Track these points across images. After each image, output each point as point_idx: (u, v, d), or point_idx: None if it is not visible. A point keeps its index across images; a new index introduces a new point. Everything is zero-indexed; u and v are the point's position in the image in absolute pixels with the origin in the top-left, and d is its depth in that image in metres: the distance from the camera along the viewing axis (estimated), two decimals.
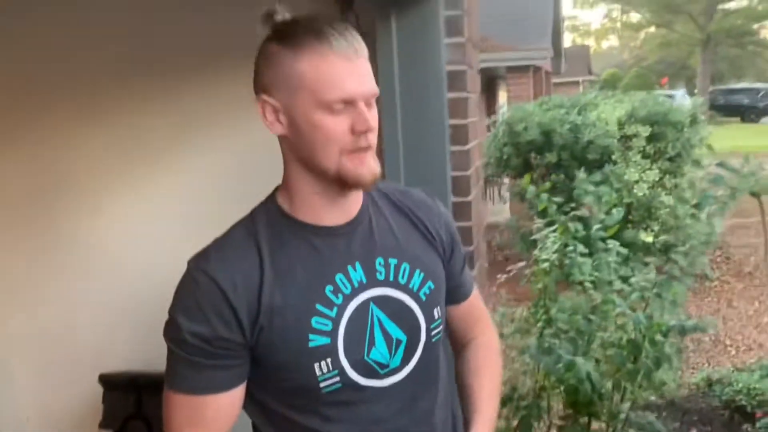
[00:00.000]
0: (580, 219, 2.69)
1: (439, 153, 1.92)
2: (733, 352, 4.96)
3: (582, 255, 2.64)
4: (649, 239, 5.64)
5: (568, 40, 45.71)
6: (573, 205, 2.68)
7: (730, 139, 20.70)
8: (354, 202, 1.07)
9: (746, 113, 30.37)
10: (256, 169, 1.65)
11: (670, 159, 5.84)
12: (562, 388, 2.24)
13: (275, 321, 0.98)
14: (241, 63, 1.18)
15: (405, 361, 1.06)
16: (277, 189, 1.08)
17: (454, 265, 1.19)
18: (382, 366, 1.04)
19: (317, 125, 0.96)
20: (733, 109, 31.07)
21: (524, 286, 2.97)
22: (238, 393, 1.02)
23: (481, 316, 1.29)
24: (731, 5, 32.45)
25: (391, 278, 1.06)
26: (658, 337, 2.14)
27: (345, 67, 0.95)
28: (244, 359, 1.00)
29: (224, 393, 1.00)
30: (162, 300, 1.04)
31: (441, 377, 1.15)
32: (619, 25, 40.31)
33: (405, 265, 1.08)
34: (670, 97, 29.32)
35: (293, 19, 1.00)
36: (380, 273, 1.05)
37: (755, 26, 32.47)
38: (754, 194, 3.62)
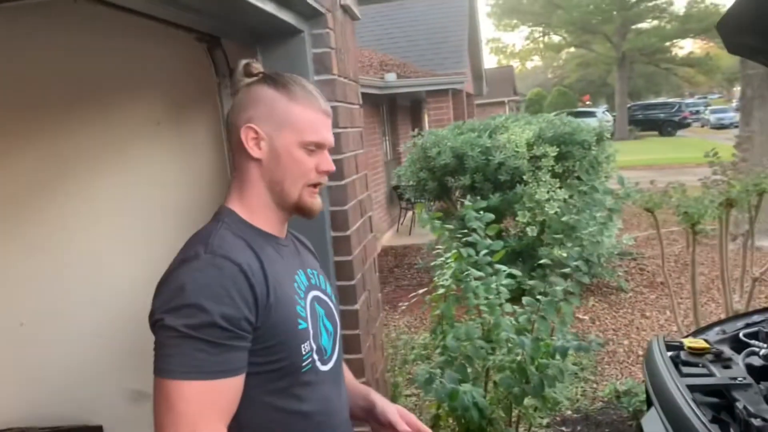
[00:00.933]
0: (472, 244, 2.74)
1: None
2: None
3: (478, 279, 2.69)
4: (564, 254, 5.79)
5: (492, 61, 47.07)
6: (465, 231, 2.72)
7: (648, 152, 21.76)
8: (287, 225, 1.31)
9: (663, 127, 31.92)
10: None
11: (579, 177, 6.03)
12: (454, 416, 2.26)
13: (278, 305, 1.13)
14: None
15: (333, 349, 1.29)
16: (225, 206, 1.24)
17: None
18: (325, 351, 1.25)
19: (295, 159, 1.20)
20: (651, 123, 32.62)
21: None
22: (243, 378, 1.11)
23: None
24: (643, 25, 34.18)
25: (318, 284, 1.32)
26: (542, 360, 2.19)
27: (324, 120, 1.23)
28: (250, 342, 1.10)
29: (241, 375, 1.09)
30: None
31: None
32: (541, 45, 41.72)
33: (321, 276, 1.36)
34: (592, 113, 30.46)
35: (281, 73, 1.25)
36: (312, 279, 1.31)
37: (667, 44, 34.21)
38: (648, 209, 3.75)
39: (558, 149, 5.83)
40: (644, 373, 1.64)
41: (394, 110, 11.77)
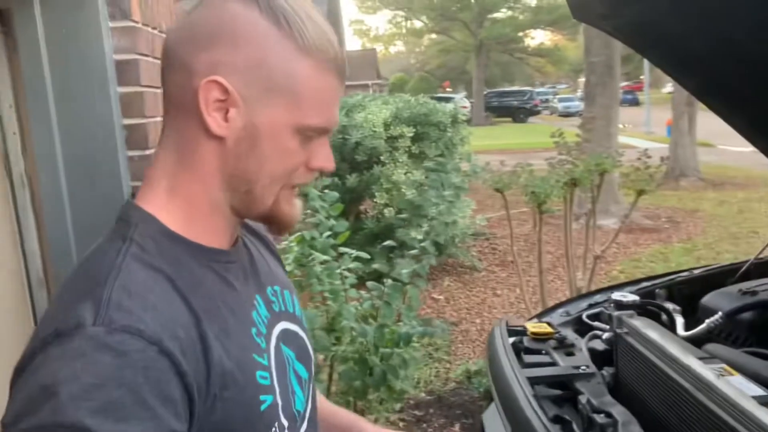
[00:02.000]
0: (316, 226, 2.52)
1: (110, 161, 1.59)
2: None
3: (323, 263, 2.47)
4: (419, 236, 5.77)
5: (357, 44, 47.16)
6: (308, 212, 2.49)
7: (502, 137, 22.82)
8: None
9: (516, 114, 33.71)
10: None
11: (433, 158, 6.03)
12: None
13: (228, 388, 0.69)
14: None
15: (307, 403, 0.86)
16: (132, 204, 0.76)
17: None
18: (299, 415, 0.83)
19: (283, 148, 0.73)
20: (505, 110, 34.35)
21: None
22: None
23: None
24: (499, 15, 35.74)
25: (283, 308, 0.87)
26: (386, 349, 2.02)
27: (337, 95, 0.76)
28: None
29: None
30: None
31: None
32: (404, 30, 42.42)
33: (286, 292, 0.90)
34: (450, 99, 31.55)
35: (298, 8, 0.72)
36: (275, 304, 0.85)
37: (520, 34, 36.05)
38: (498, 190, 3.72)
39: (414, 130, 5.76)
40: (485, 364, 1.49)
41: None
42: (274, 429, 0.76)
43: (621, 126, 21.19)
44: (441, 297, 6.11)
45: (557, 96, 40.07)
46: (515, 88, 41.48)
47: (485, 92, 35.20)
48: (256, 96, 0.71)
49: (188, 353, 0.65)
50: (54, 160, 1.55)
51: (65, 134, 1.56)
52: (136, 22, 1.64)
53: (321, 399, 1.01)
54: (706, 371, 1.12)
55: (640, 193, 3.58)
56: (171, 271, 0.70)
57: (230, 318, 0.74)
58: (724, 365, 1.18)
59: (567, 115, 32.56)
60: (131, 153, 1.65)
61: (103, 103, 1.58)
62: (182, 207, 0.75)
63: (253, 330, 0.77)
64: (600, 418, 1.13)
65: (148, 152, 1.67)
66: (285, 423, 0.78)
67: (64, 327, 0.63)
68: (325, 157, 0.77)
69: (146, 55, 1.70)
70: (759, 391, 1.07)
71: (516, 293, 6.21)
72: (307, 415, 0.86)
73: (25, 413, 0.60)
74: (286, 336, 0.84)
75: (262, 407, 0.74)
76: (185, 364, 0.64)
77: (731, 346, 1.62)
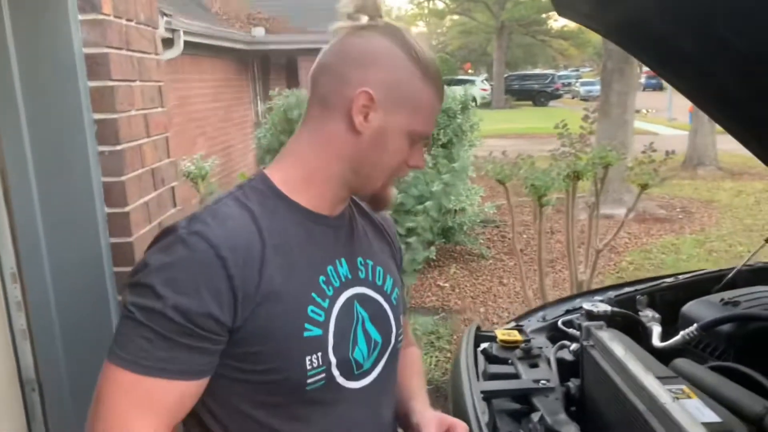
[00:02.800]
0: None
1: (80, 156, 1.59)
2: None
3: None
4: (419, 218, 5.74)
5: None
6: None
7: (522, 121, 22.59)
8: (346, 199, 1.06)
9: (537, 97, 33.32)
10: None
11: (443, 145, 5.97)
12: None
13: (273, 303, 0.91)
14: None
15: (375, 363, 1.04)
16: (263, 171, 1.02)
17: (401, 278, 1.20)
18: (359, 366, 1.01)
19: (399, 146, 0.98)
20: (526, 93, 33.96)
21: None
22: (204, 383, 0.91)
23: (409, 330, 1.34)
24: None
25: (370, 278, 1.06)
26: None
27: (438, 110, 1.02)
28: (221, 345, 0.90)
29: (196, 381, 0.89)
30: None
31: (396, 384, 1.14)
32: (426, 11, 41.96)
33: (379, 268, 1.09)
34: (472, 82, 31.11)
35: (405, 30, 0.99)
36: (361, 271, 1.05)
37: (543, 16, 35.43)
38: (500, 181, 3.67)
39: None
40: (450, 373, 1.47)
41: (267, 68, 11.21)
42: (315, 356, 0.93)
43: (644, 111, 20.92)
44: (446, 284, 6.09)
45: (580, 80, 39.48)
46: (537, 71, 40.96)
47: (506, 75, 34.77)
48: (390, 106, 0.96)
49: (241, 264, 0.88)
50: (23, 155, 1.54)
51: (34, 129, 1.55)
52: (107, 14, 1.61)
53: (403, 375, 1.18)
54: (663, 393, 1.08)
55: (644, 187, 3.50)
56: (258, 212, 0.95)
57: (300, 260, 0.95)
58: (684, 386, 1.14)
59: (589, 99, 32.16)
60: (102, 148, 1.63)
61: (72, 97, 1.56)
62: (300, 175, 0.99)
63: (322, 278, 0.97)
64: None
65: (119, 147, 1.66)
66: (333, 360, 0.95)
67: (168, 227, 0.93)
68: (420, 158, 1.03)
69: (119, 48, 1.68)
70: (713, 417, 1.04)
71: (522, 282, 6.18)
72: (375, 374, 1.03)
73: (132, 274, 0.92)
74: (364, 299, 1.03)
75: (306, 334, 0.93)
76: (234, 270, 0.87)
77: (709, 358, 1.58)
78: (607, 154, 3.57)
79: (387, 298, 1.09)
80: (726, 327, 1.55)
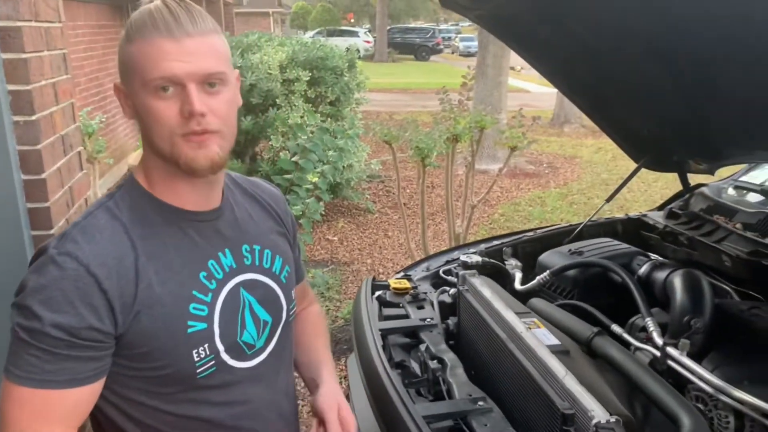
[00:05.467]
0: None
1: None
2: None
3: None
4: (315, 179, 5.93)
5: None
6: None
7: (404, 76, 22.99)
8: (216, 189, 1.08)
9: (419, 51, 33.74)
10: None
11: (331, 103, 6.12)
12: None
13: (153, 308, 0.97)
14: None
15: (268, 341, 1.11)
16: (132, 173, 1.07)
17: (295, 251, 1.27)
18: (250, 347, 1.08)
19: (146, 107, 0.97)
20: (408, 47, 34.26)
21: None
22: (98, 386, 0.97)
23: (309, 292, 1.43)
24: None
25: (257, 263, 1.12)
26: None
27: (169, 47, 0.94)
28: (109, 350, 0.96)
29: (87, 386, 0.95)
30: None
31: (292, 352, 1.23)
32: None
33: (267, 252, 1.14)
34: (355, 33, 30.83)
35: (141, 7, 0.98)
36: (247, 258, 1.10)
37: None
38: (387, 142, 3.93)
39: (311, 74, 5.81)
40: (352, 316, 1.73)
41: None
42: (202, 348, 1.01)
43: (518, 68, 21.91)
44: (335, 238, 6.35)
45: (459, 35, 40.41)
46: (418, 24, 41.37)
47: (388, 28, 34.92)
48: (128, 84, 1.00)
49: (114, 278, 0.94)
50: None
51: None
52: None
53: (305, 331, 1.31)
54: (519, 324, 1.40)
55: (513, 149, 3.90)
56: (129, 221, 1.00)
57: (176, 260, 1.01)
58: (535, 319, 1.47)
59: (468, 55, 33.08)
60: (17, 118, 1.69)
61: None
62: (147, 173, 1.05)
63: (203, 274, 1.03)
64: (433, 364, 1.39)
65: (33, 117, 1.73)
66: (221, 347, 1.03)
67: (41, 248, 0.99)
68: (186, 104, 0.96)
69: (29, 21, 1.72)
70: (555, 341, 1.36)
71: (406, 235, 6.57)
72: (269, 350, 1.11)
73: (16, 293, 0.96)
74: (250, 284, 1.10)
75: (189, 330, 1.00)
76: (107, 284, 0.93)
77: (558, 298, 1.94)
78: (483, 118, 3.92)
79: (276, 279, 1.14)
80: (571, 272, 1.92)
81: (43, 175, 1.76)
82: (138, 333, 0.96)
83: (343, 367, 3.83)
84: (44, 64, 1.83)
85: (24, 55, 1.68)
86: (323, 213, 6.07)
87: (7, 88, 1.66)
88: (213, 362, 1.02)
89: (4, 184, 1.68)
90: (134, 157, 9.49)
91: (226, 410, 1.05)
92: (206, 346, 1.01)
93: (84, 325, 0.92)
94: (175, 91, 0.96)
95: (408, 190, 7.72)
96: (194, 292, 1.01)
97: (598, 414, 1.07)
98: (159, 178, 1.04)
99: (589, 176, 8.82)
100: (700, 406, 1.41)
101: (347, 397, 1.25)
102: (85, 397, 0.96)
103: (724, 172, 2.50)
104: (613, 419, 1.05)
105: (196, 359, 1.00)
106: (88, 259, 0.93)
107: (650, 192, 7.50)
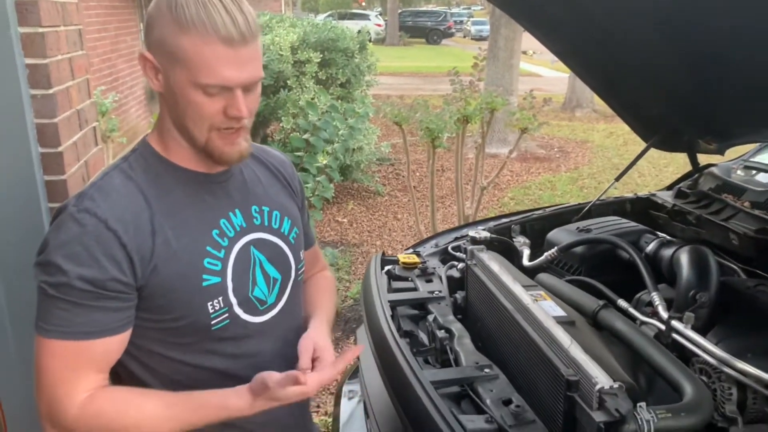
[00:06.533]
0: None
1: (12, 99, 1.68)
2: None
3: None
4: (325, 161, 5.96)
5: None
6: None
7: (415, 59, 22.89)
8: None
9: (430, 35, 33.52)
10: None
11: (342, 85, 6.13)
12: None
13: (170, 262, 1.01)
14: None
15: (278, 298, 1.17)
16: (146, 136, 1.11)
17: (303, 215, 1.31)
18: (261, 302, 1.13)
19: (191, 101, 0.99)
20: (419, 30, 34.03)
21: None
22: (126, 336, 1.03)
23: (320, 258, 1.47)
24: None
25: (266, 223, 1.17)
26: None
27: (226, 54, 0.96)
28: (133, 302, 1.01)
29: (115, 336, 1.00)
30: None
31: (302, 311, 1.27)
32: None
33: (276, 213, 1.19)
34: (365, 16, 30.62)
35: None
36: (256, 219, 1.15)
37: None
38: (397, 123, 3.94)
39: (322, 55, 5.82)
40: (361, 289, 1.76)
41: None
42: (217, 300, 1.06)
43: (530, 52, 21.75)
44: (345, 220, 6.38)
45: (471, 19, 40.10)
46: (430, 8, 41.05)
47: (399, 11, 34.69)
48: (166, 63, 1.01)
49: (132, 232, 0.99)
50: None
51: None
52: None
53: (313, 294, 1.34)
54: (526, 296, 1.42)
55: (524, 130, 3.90)
56: (143, 181, 1.05)
57: (191, 218, 1.06)
58: (542, 292, 1.49)
59: (479, 38, 32.82)
60: (34, 92, 1.73)
61: (5, 43, 1.64)
62: (163, 138, 1.09)
63: (215, 231, 1.08)
64: (441, 333, 1.42)
65: (51, 91, 1.76)
66: (233, 301, 1.08)
67: (60, 207, 1.05)
68: (235, 108, 1.00)
69: None
70: (560, 312, 1.39)
71: (415, 218, 6.59)
72: (279, 306, 1.17)
73: (37, 254, 1.01)
74: (260, 243, 1.14)
75: (204, 283, 1.05)
76: (126, 238, 0.98)
77: (566, 274, 1.96)
78: (493, 99, 3.92)
79: (284, 239, 1.19)
80: (579, 249, 1.93)
81: (60, 149, 1.80)
82: (156, 285, 1.01)
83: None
84: (60, 39, 1.85)
85: (41, 29, 1.71)
86: (333, 195, 6.11)
87: (25, 62, 1.69)
88: (226, 315, 1.07)
89: (22, 157, 1.72)
90: None
91: (240, 362, 1.10)
92: (220, 299, 1.06)
93: (107, 276, 0.97)
94: (221, 92, 1.00)
95: (418, 174, 7.72)
96: (208, 248, 1.06)
97: (602, 380, 1.09)
98: (174, 144, 1.08)
99: (600, 161, 8.79)
100: (704, 378, 1.43)
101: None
102: (113, 346, 1.02)
103: (734, 153, 2.50)
104: (616, 385, 1.08)
105: (211, 311, 1.05)
106: (106, 215, 0.98)
107: (661, 176, 7.47)
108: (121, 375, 1.10)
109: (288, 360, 1.14)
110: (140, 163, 1.08)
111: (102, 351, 1.01)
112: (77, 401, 0.99)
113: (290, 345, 1.17)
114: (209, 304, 1.05)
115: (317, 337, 1.17)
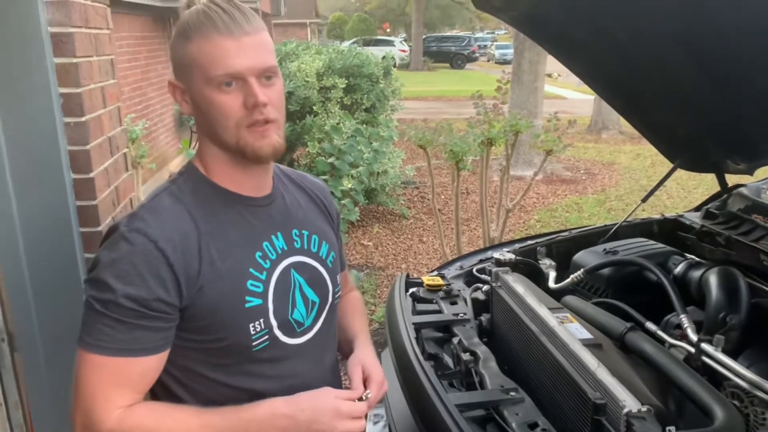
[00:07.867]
0: None
1: (47, 127, 1.73)
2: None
3: None
4: (350, 185, 6.00)
5: None
6: None
7: (439, 84, 23.03)
8: (268, 176, 1.17)
9: (454, 60, 33.73)
10: None
11: (366, 110, 6.19)
12: None
13: (215, 283, 1.04)
14: None
15: (315, 320, 1.19)
16: (191, 161, 1.15)
17: (339, 240, 1.34)
18: (299, 325, 1.15)
19: (210, 101, 1.04)
20: (443, 55, 34.27)
21: None
22: (164, 356, 1.05)
23: (349, 280, 1.50)
24: None
25: (306, 247, 1.19)
26: None
27: (229, 45, 1.02)
28: (174, 322, 1.04)
29: (155, 355, 1.03)
30: None
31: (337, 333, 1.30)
32: None
33: (315, 237, 1.22)
34: (390, 42, 30.93)
35: (191, 6, 1.06)
36: (297, 242, 1.18)
37: None
38: (421, 146, 3.96)
39: (347, 81, 5.89)
40: (385, 311, 1.76)
41: None
42: (258, 322, 1.08)
43: (555, 75, 21.75)
44: (370, 243, 6.39)
45: (495, 43, 40.27)
46: (454, 33, 41.37)
47: (424, 36, 35.00)
48: (186, 80, 1.07)
49: (180, 253, 1.02)
50: None
51: (3, 101, 1.68)
52: None
53: (346, 316, 1.36)
54: (552, 319, 1.41)
55: (549, 152, 3.89)
56: (191, 203, 1.08)
57: (235, 240, 1.09)
58: (568, 314, 1.48)
59: (504, 62, 32.89)
60: (68, 120, 1.78)
61: (40, 73, 1.70)
62: (205, 161, 1.13)
63: (258, 254, 1.11)
64: (466, 356, 1.41)
65: (83, 119, 1.81)
66: (274, 323, 1.11)
67: (112, 226, 1.08)
68: (250, 96, 1.03)
69: (80, 27, 1.81)
70: (587, 335, 1.37)
71: (441, 241, 6.58)
72: (316, 329, 1.19)
73: (88, 270, 1.05)
74: (300, 266, 1.17)
75: (247, 305, 1.07)
76: (174, 258, 1.01)
77: (592, 297, 1.94)
78: (518, 122, 3.92)
79: (323, 262, 1.22)
80: (606, 271, 1.91)
81: (92, 174, 1.85)
82: (201, 306, 1.04)
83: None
84: (93, 69, 1.91)
85: (75, 60, 1.77)
86: (359, 218, 6.15)
87: (59, 91, 1.75)
88: (267, 336, 1.10)
89: (56, 183, 1.76)
90: (175, 164, 9.71)
91: (277, 383, 1.12)
92: (261, 320, 1.09)
93: (153, 296, 1.00)
94: (237, 85, 1.03)
95: (443, 197, 7.72)
96: (251, 270, 1.09)
97: (630, 403, 1.08)
98: (217, 166, 1.12)
99: (628, 182, 8.70)
100: (736, 402, 1.40)
101: None
102: (152, 365, 1.04)
103: (764, 172, 2.46)
104: (644, 408, 1.06)
105: (252, 332, 1.07)
106: (156, 236, 1.01)
107: (690, 198, 7.36)
108: (158, 394, 1.12)
109: (322, 381, 1.16)
110: (188, 185, 1.12)
111: (141, 370, 1.03)
112: (113, 415, 1.01)
113: (325, 366, 1.21)
114: (251, 325, 1.07)
115: (364, 357, 1.23)
